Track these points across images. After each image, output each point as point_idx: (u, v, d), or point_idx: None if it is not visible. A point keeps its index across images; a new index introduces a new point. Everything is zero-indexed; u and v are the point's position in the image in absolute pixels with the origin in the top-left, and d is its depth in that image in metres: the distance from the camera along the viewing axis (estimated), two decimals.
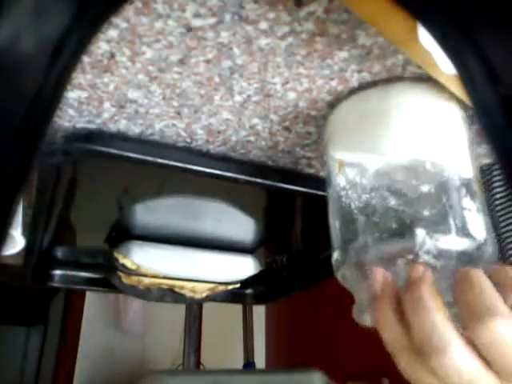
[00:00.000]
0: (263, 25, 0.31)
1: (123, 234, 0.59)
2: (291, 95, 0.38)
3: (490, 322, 0.26)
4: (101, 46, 0.32)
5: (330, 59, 0.34)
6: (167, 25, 0.30)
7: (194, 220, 0.58)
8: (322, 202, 0.48)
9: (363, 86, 0.37)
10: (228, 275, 0.64)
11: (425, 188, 0.33)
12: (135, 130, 0.41)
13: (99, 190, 0.51)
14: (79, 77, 0.34)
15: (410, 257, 0.32)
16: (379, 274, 0.32)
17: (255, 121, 0.40)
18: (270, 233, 0.65)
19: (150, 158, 0.39)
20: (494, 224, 0.60)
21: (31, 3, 0.13)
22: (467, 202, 0.33)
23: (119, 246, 0.59)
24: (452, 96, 0.35)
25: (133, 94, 0.37)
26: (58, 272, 0.65)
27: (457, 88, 0.32)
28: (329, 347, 1.59)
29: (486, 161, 0.48)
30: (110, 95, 0.36)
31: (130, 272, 0.59)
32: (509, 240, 0.59)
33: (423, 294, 0.29)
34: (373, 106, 0.36)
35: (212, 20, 0.30)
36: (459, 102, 0.36)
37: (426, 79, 0.34)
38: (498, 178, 0.63)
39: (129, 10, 0.29)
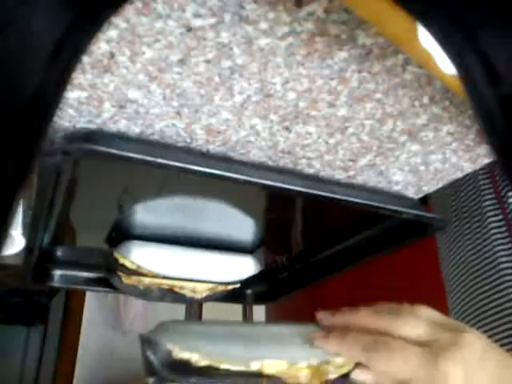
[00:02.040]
0: (263, 25, 0.31)
1: (123, 234, 0.59)
2: (291, 95, 0.38)
3: None
4: (101, 46, 0.32)
5: (330, 59, 0.34)
6: (167, 25, 0.30)
7: (193, 220, 0.58)
8: (322, 202, 0.48)
9: None
10: (228, 275, 0.64)
11: None
12: (135, 129, 0.41)
13: (99, 190, 0.51)
14: (79, 77, 0.34)
15: None
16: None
17: (255, 121, 0.40)
18: (270, 233, 0.65)
19: (149, 158, 0.39)
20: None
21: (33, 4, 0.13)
22: None
23: (119, 246, 0.59)
24: None
25: (133, 93, 0.37)
26: (57, 272, 0.65)
27: (457, 88, 0.32)
28: None
29: (486, 161, 0.48)
30: (109, 95, 0.36)
31: (130, 272, 0.59)
32: (500, 248, 0.60)
33: None
34: None
35: (212, 20, 0.30)
36: None
37: None
38: (485, 182, 0.64)
39: (129, 10, 0.29)
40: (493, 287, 0.59)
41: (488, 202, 0.62)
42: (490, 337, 0.57)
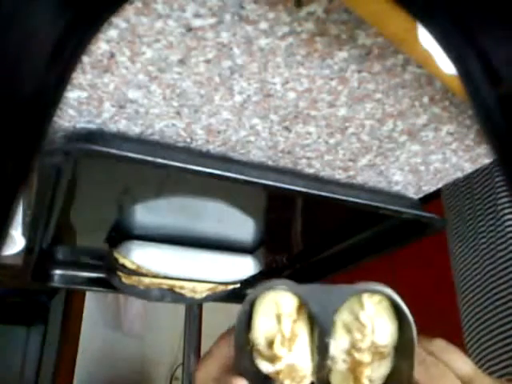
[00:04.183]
0: (263, 25, 0.31)
1: (123, 234, 0.59)
2: (291, 95, 0.38)
3: None
4: (101, 46, 0.32)
5: (330, 59, 0.34)
6: (167, 25, 0.30)
7: (194, 220, 0.58)
8: (322, 202, 0.48)
9: None
10: (228, 275, 0.64)
11: None
12: (135, 129, 0.41)
13: (99, 190, 0.51)
14: (79, 77, 0.34)
15: None
16: None
17: (255, 121, 0.40)
18: (270, 233, 0.65)
19: (149, 158, 0.39)
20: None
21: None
22: None
23: (119, 246, 0.59)
24: None
25: (133, 94, 0.37)
26: (57, 272, 0.65)
27: (457, 88, 0.32)
28: None
29: (486, 161, 0.48)
30: (109, 95, 0.36)
31: (129, 272, 0.59)
32: None
33: None
34: None
35: (212, 20, 0.30)
36: None
37: None
38: (501, 179, 0.63)
39: (129, 10, 0.29)
40: (509, 286, 0.58)
41: (504, 199, 0.61)
42: (506, 337, 0.57)
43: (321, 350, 0.33)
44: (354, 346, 0.33)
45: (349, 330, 0.34)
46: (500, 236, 0.61)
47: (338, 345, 0.33)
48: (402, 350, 0.33)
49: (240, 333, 0.33)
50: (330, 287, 0.34)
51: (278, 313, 0.33)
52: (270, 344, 0.33)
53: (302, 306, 0.34)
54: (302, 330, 0.34)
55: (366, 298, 0.34)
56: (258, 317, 0.33)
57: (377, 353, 0.33)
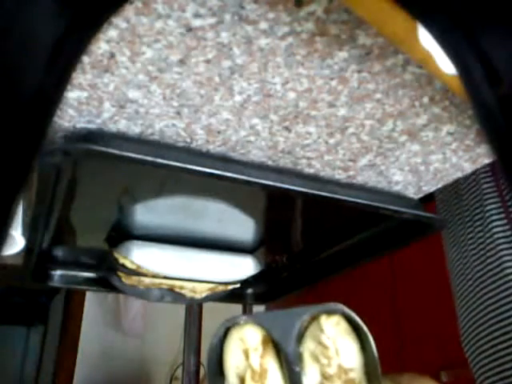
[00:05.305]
0: (263, 25, 0.31)
1: (123, 233, 0.59)
2: (291, 95, 0.38)
3: None
4: (101, 46, 0.32)
5: (330, 59, 0.34)
6: (167, 25, 0.30)
7: (194, 220, 0.58)
8: (322, 202, 0.48)
9: None
10: (228, 275, 0.64)
11: None
12: (135, 129, 0.41)
13: (99, 190, 0.51)
14: (79, 77, 0.34)
15: None
16: None
17: (255, 121, 0.40)
18: (270, 233, 0.65)
19: (149, 158, 0.39)
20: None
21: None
22: None
23: (119, 246, 0.59)
24: None
25: (133, 93, 0.37)
26: (58, 272, 0.65)
27: (457, 88, 0.32)
28: None
29: (486, 161, 0.48)
30: (110, 95, 0.36)
31: (129, 272, 0.59)
32: (505, 252, 0.59)
33: None
34: None
35: (212, 20, 0.30)
36: None
37: None
38: (489, 185, 0.63)
39: (129, 10, 0.29)
40: (499, 292, 0.58)
41: (492, 206, 0.62)
42: (499, 343, 0.57)
43: (292, 381, 0.33)
44: (323, 375, 0.33)
45: (316, 359, 0.34)
46: (489, 242, 0.61)
47: (308, 377, 0.33)
48: (370, 372, 0.33)
49: (213, 372, 0.33)
50: (287, 311, 0.34)
51: (244, 348, 0.33)
52: (242, 381, 0.33)
53: (268, 336, 0.34)
54: (272, 364, 0.34)
55: (323, 320, 0.34)
56: (227, 354, 0.34)
57: (348, 380, 0.33)
